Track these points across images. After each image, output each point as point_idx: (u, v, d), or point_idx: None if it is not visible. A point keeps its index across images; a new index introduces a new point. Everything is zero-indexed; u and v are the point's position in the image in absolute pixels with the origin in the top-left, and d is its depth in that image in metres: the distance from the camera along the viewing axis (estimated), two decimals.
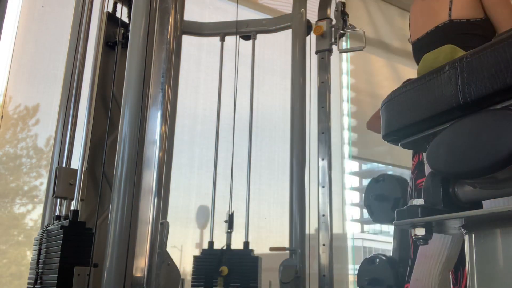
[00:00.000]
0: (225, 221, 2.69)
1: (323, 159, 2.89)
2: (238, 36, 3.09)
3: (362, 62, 4.58)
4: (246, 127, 2.96)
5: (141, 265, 1.54)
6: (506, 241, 0.80)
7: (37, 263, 1.83)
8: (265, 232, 3.50)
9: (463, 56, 0.79)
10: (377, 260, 2.89)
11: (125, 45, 2.10)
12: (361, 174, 5.09)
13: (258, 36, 3.10)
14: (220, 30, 3.13)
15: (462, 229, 0.89)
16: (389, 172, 4.59)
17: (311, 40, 3.03)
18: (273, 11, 3.92)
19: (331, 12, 3.05)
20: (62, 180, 1.90)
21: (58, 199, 1.96)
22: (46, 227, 1.92)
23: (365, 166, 5.30)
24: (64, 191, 1.90)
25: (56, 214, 1.97)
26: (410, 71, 4.31)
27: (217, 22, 3.21)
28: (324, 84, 2.99)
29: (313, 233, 2.92)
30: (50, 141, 2.85)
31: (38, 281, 1.78)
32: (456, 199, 0.88)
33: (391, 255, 2.96)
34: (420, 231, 0.85)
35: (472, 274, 0.86)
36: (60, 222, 1.85)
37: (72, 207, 1.83)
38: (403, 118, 0.90)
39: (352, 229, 4.25)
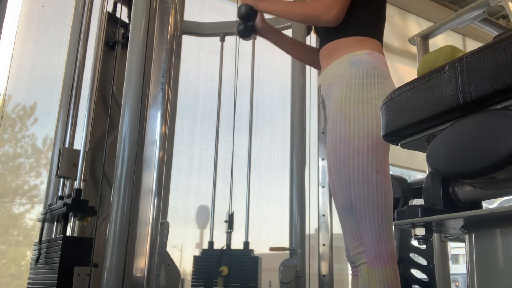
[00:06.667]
0: (225, 221, 2.69)
1: (323, 159, 2.89)
2: (238, 36, 3.08)
3: None
4: (246, 127, 2.96)
5: (141, 265, 1.54)
6: (506, 241, 0.80)
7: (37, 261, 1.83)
8: (265, 232, 3.50)
9: (463, 56, 0.79)
10: None
11: (125, 45, 2.10)
12: None
13: (258, 36, 3.09)
14: (220, 30, 3.12)
15: (462, 229, 0.89)
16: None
17: (311, 40, 3.03)
18: None
19: None
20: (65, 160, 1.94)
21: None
22: (50, 206, 1.93)
23: None
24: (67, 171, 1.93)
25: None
26: (410, 71, 4.31)
27: (217, 22, 3.21)
28: None
29: (313, 233, 2.92)
30: (47, 141, 2.85)
31: (39, 281, 1.78)
32: (456, 199, 0.88)
33: None
34: (420, 231, 0.85)
35: (472, 274, 0.85)
36: (64, 200, 1.87)
37: None
38: (403, 118, 0.89)
39: None
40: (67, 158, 1.93)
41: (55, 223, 1.96)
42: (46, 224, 2.06)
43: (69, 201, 1.79)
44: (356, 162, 1.34)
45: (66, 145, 2.08)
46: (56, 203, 1.94)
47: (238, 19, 1.72)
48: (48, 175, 2.28)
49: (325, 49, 1.54)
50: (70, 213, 1.82)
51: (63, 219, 1.85)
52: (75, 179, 1.89)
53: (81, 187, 1.85)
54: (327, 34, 1.53)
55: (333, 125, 1.42)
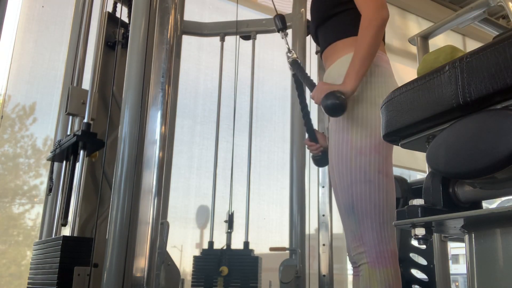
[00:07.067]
0: (225, 221, 2.69)
1: None
2: (238, 36, 3.09)
3: None
4: (246, 127, 2.96)
5: (141, 265, 1.54)
6: (506, 241, 0.80)
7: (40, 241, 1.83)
8: (265, 232, 3.50)
9: (463, 56, 0.79)
10: None
11: (125, 45, 2.10)
12: None
13: (258, 36, 3.10)
14: (220, 30, 3.12)
15: (462, 229, 0.89)
16: None
17: (311, 40, 3.03)
18: (273, 11, 3.91)
19: None
20: None
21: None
22: (59, 142, 1.99)
23: None
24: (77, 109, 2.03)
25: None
26: (410, 71, 4.31)
27: (217, 22, 3.20)
28: None
29: (313, 233, 2.92)
30: (47, 141, 2.85)
31: (38, 281, 1.78)
32: (456, 199, 0.88)
33: None
34: (420, 231, 0.85)
35: (472, 274, 0.85)
36: (73, 131, 1.94)
37: None
38: (403, 118, 0.89)
39: None
40: (76, 97, 2.01)
41: (64, 163, 1.99)
42: (47, 216, 2.07)
43: (78, 132, 1.85)
44: (359, 162, 1.33)
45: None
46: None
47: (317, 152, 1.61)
48: (56, 115, 2.31)
49: (329, 49, 1.52)
50: (80, 146, 1.85)
51: (72, 155, 1.89)
52: (84, 117, 1.96)
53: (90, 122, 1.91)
54: (330, 35, 1.51)
55: (336, 124, 1.41)
